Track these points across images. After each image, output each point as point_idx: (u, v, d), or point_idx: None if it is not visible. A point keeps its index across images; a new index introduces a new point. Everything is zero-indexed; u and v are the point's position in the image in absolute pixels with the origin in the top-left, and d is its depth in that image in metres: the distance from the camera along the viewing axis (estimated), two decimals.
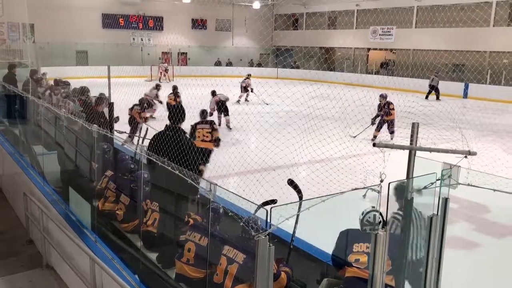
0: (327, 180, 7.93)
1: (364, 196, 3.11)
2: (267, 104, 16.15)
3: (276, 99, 15.92)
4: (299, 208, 2.90)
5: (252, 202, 2.16)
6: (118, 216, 4.40)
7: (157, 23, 31.96)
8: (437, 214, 2.69)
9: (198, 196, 3.57)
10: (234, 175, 8.86)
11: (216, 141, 8.32)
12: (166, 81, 25.98)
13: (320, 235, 3.63)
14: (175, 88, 14.42)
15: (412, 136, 2.84)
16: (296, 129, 13.39)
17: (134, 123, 10.46)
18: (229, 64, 33.89)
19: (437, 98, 21.69)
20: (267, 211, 1.94)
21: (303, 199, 3.29)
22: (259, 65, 34.27)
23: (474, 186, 2.75)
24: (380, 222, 2.90)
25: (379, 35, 28.65)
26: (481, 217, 6.72)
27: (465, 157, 2.77)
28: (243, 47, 34.87)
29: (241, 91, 18.83)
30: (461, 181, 2.79)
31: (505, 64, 22.56)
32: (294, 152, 9.96)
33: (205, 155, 7.85)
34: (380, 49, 29.72)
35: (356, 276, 2.90)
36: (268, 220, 2.08)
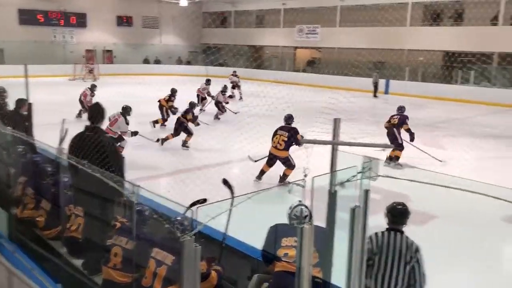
0: (257, 177, 8.04)
1: (290, 191, 3.19)
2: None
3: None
4: (231, 205, 2.91)
5: (176, 203, 2.12)
6: (39, 223, 4.17)
7: (79, 20, 30.55)
8: (359, 205, 2.80)
9: (125, 198, 3.46)
10: (166, 175, 8.74)
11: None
12: (91, 80, 25.02)
13: (252, 232, 3.65)
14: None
15: (334, 131, 2.93)
16: (229, 127, 13.41)
17: None
18: (158, 62, 33.26)
19: (375, 95, 22.70)
20: (192, 211, 1.92)
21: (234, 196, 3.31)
22: (188, 63, 33.92)
23: (393, 178, 2.92)
24: (306, 215, 2.97)
25: (305, 33, 29.40)
26: None
27: (383, 150, 2.91)
28: (171, 44, 34.37)
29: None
30: (381, 173, 2.94)
31: (422, 62, 24.04)
32: (227, 150, 10.05)
33: None
34: (307, 48, 30.53)
35: (285, 270, 2.95)
36: (195, 220, 2.06)
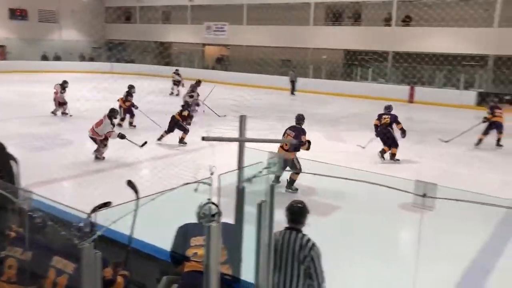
0: (166, 176, 7.89)
1: (196, 190, 3.15)
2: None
3: (108, 96, 15.15)
4: (136, 206, 2.81)
5: (73, 208, 2.01)
6: None
7: None
8: (266, 200, 2.86)
9: (18, 205, 3.20)
10: (69, 178, 8.24)
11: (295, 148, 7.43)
12: None
13: (160, 233, 3.57)
14: None
15: (240, 128, 2.95)
16: (138, 127, 12.95)
17: None
18: (58, 58, 31.23)
19: (292, 92, 23.20)
20: (89, 215, 1.82)
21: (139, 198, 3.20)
22: (91, 59, 32.29)
23: (296, 172, 3.02)
24: (215, 213, 2.96)
25: (213, 31, 29.39)
26: (309, 199, 7.37)
27: (286, 145, 2.97)
28: (73, 40, 32.50)
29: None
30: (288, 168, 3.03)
31: (325, 60, 25.16)
32: (136, 150, 9.72)
33: None
34: (215, 45, 30.53)
35: (194, 270, 2.92)
36: (97, 224, 1.96)
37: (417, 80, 22.62)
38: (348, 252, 5.26)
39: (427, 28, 22.18)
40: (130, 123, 12.75)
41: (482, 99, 19.11)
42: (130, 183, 3.40)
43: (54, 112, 13.90)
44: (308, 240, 3.07)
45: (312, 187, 7.70)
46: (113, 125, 9.32)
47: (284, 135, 7.69)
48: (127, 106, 12.72)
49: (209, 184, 2.42)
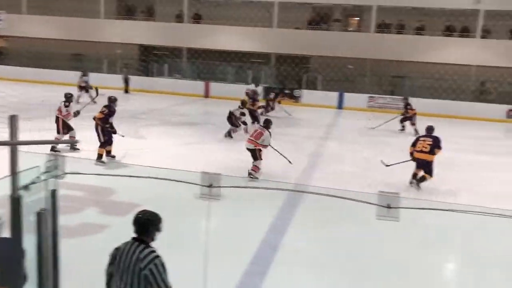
0: None
1: None
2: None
3: None
4: None
5: None
6: None
7: None
8: (47, 208, 2.61)
9: None
10: None
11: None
12: None
13: None
14: None
15: (11, 129, 2.62)
16: None
17: None
18: None
19: (126, 91, 21.70)
20: None
21: None
22: None
23: (80, 173, 2.82)
24: None
25: None
26: (108, 199, 7.07)
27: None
28: None
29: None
30: (69, 170, 2.80)
31: (120, 54, 24.36)
32: None
33: None
34: None
35: None
36: None
37: (211, 76, 23.74)
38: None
39: (216, 26, 23.40)
40: None
41: (266, 93, 21.14)
42: None
43: None
44: (149, 253, 2.83)
45: (111, 187, 7.41)
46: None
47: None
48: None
49: None
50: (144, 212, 3.00)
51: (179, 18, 24.39)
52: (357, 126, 16.11)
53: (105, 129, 8.99)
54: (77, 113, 10.07)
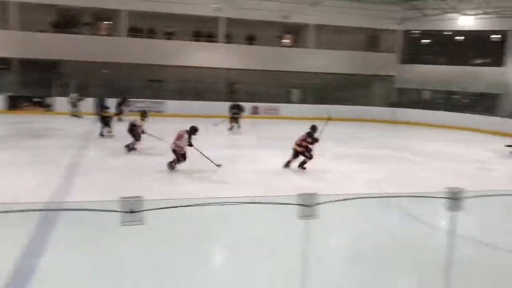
0: None
1: None
2: None
3: None
4: None
5: None
6: None
7: None
8: None
9: None
10: None
11: None
12: None
13: None
14: None
15: None
16: None
17: None
18: None
19: None
20: None
21: None
22: None
23: None
24: None
25: None
26: None
27: None
28: None
29: None
30: None
31: None
32: None
33: None
34: None
35: None
36: None
37: None
38: None
39: None
40: None
41: (13, 103, 18.81)
42: None
43: None
44: None
45: None
46: None
47: None
48: None
49: None
50: None
51: None
52: (116, 132, 15.79)
53: None
54: None
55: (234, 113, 17.18)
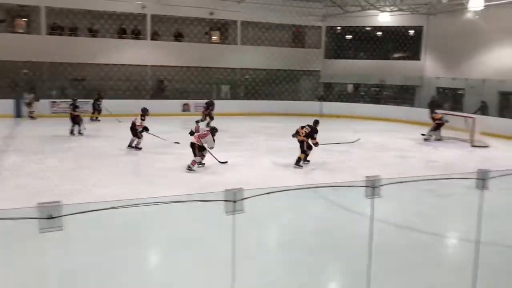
0: None
1: None
2: None
3: None
4: None
5: None
6: None
7: None
8: None
9: None
10: None
11: None
12: None
13: None
14: None
15: None
16: None
17: None
18: None
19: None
20: None
21: None
22: None
23: None
24: None
25: None
26: None
27: None
28: None
29: None
30: None
31: None
32: None
33: None
34: None
35: None
36: None
37: None
38: None
39: None
40: None
41: None
42: None
43: None
44: None
45: None
46: None
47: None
48: None
49: None
50: None
51: None
52: (40, 134, 15.11)
53: None
54: None
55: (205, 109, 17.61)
